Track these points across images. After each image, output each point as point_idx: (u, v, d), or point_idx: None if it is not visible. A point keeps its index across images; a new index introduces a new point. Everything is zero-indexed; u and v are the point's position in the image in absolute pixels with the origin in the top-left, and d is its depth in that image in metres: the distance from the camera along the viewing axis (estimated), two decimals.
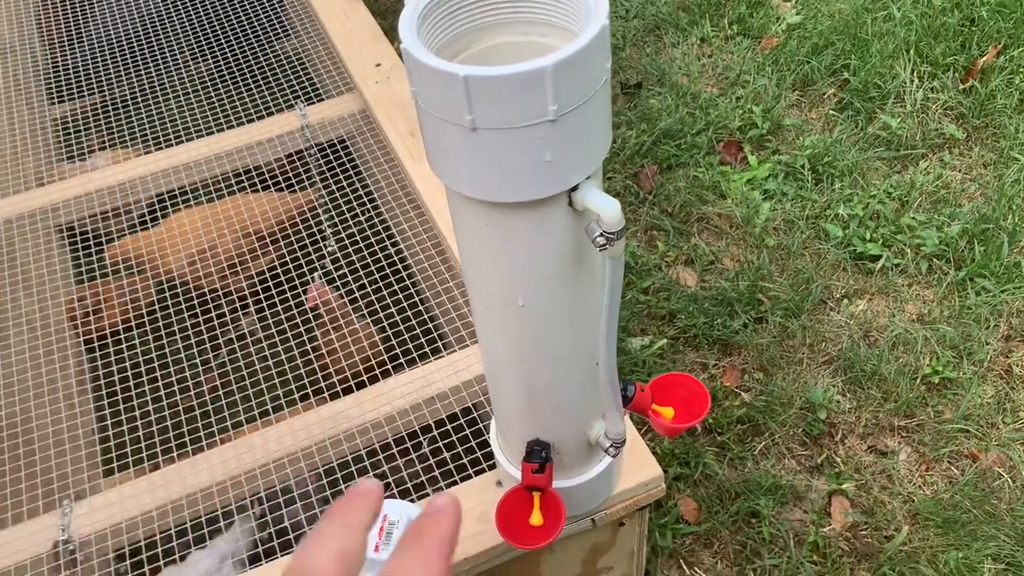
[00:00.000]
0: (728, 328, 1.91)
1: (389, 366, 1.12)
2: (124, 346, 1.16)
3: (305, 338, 1.13)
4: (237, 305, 1.19)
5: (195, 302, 1.20)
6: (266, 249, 1.31)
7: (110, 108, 1.59)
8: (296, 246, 1.27)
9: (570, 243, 0.60)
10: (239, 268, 1.31)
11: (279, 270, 1.23)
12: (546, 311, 0.65)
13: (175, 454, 1.02)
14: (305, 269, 1.21)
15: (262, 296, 1.19)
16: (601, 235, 0.57)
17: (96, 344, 1.24)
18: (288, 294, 1.17)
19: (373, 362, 1.14)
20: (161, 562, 0.94)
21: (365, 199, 1.29)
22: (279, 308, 1.17)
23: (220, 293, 1.23)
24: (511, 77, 0.49)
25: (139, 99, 1.62)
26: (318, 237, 1.28)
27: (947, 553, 1.55)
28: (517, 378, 0.72)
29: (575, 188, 0.57)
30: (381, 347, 1.17)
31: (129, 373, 1.11)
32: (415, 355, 1.08)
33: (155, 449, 1.04)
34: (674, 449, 1.74)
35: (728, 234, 2.12)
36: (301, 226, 1.33)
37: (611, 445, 0.77)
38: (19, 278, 1.27)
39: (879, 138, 2.28)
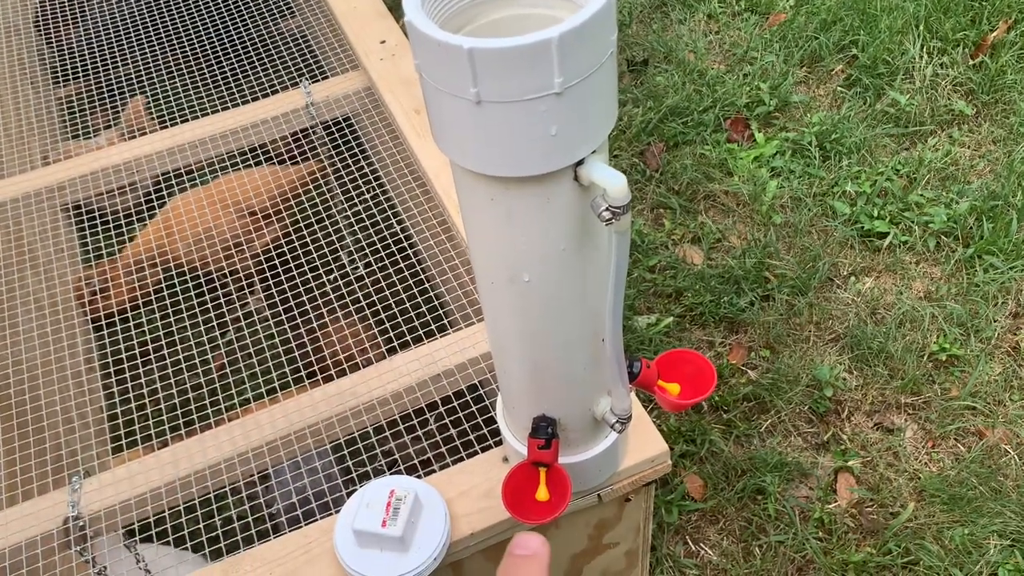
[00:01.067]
0: (735, 306, 1.90)
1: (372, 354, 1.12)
2: (132, 325, 1.16)
3: (311, 315, 1.13)
4: (244, 284, 1.19)
5: (202, 282, 1.20)
6: (271, 225, 1.31)
7: (115, 88, 1.59)
8: (300, 220, 1.26)
9: (576, 218, 0.60)
10: (244, 247, 1.31)
11: (284, 247, 1.23)
12: (552, 287, 0.65)
13: (183, 431, 1.02)
14: (311, 247, 1.21)
15: (268, 274, 1.19)
16: (607, 209, 0.56)
17: (104, 323, 1.24)
18: (294, 271, 1.17)
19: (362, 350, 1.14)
20: (170, 538, 0.95)
21: (371, 177, 1.28)
22: (286, 286, 1.17)
23: (227, 273, 1.23)
24: (516, 49, 0.48)
25: (144, 78, 1.61)
26: (322, 211, 1.28)
27: (953, 529, 1.55)
28: (522, 354, 0.72)
29: (581, 162, 0.56)
30: (353, 345, 1.18)
31: (137, 351, 1.12)
32: (421, 332, 1.08)
33: (163, 427, 1.04)
34: (680, 426, 1.74)
35: (735, 212, 2.11)
36: (304, 198, 1.33)
37: (617, 421, 0.77)
38: (26, 257, 1.27)
39: (887, 115, 2.27)
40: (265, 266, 1.23)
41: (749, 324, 1.89)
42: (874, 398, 1.76)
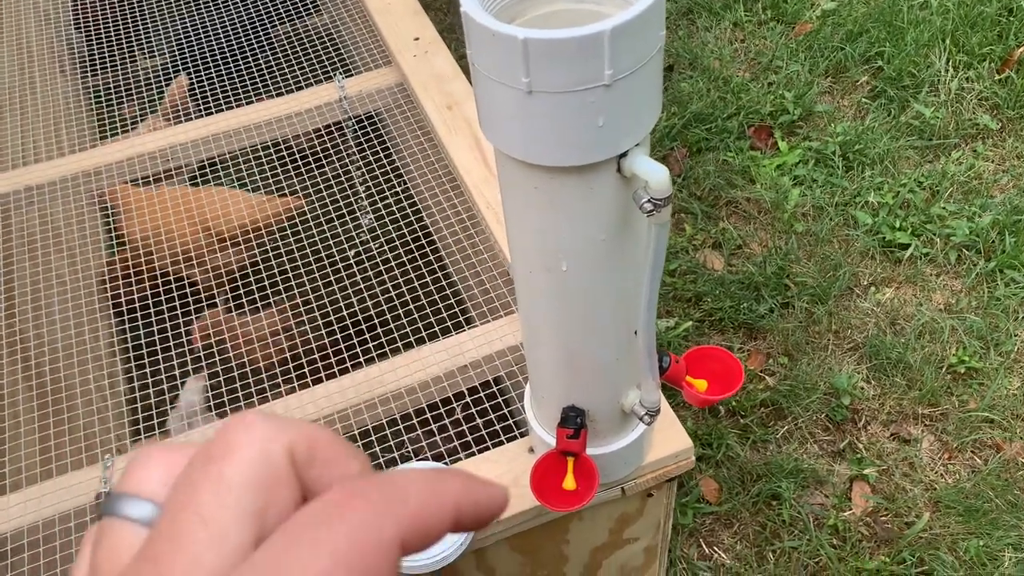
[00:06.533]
0: (754, 312, 1.91)
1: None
2: (164, 308, 1.18)
3: (342, 304, 1.15)
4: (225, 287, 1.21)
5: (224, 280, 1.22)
6: (236, 248, 1.32)
7: (152, 77, 1.61)
8: (270, 252, 1.26)
9: (617, 209, 0.61)
10: (194, 261, 1.31)
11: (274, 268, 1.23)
12: (589, 276, 0.66)
13: (214, 413, 1.04)
14: (278, 277, 1.22)
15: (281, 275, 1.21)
16: (648, 201, 0.58)
17: (138, 307, 1.27)
18: (321, 266, 1.19)
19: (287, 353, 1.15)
20: None
21: (402, 171, 1.30)
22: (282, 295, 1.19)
23: (185, 281, 1.25)
24: (569, 41, 0.50)
25: (180, 68, 1.64)
26: (316, 238, 1.28)
27: (968, 541, 1.55)
28: (555, 344, 0.74)
29: (624, 154, 0.58)
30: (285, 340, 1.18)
31: (170, 334, 1.14)
32: (449, 324, 1.10)
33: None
34: (697, 430, 1.75)
35: (756, 219, 2.12)
36: (277, 233, 1.33)
37: (646, 413, 0.78)
38: (62, 242, 1.29)
39: (911, 127, 2.27)
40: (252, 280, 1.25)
41: (768, 331, 1.90)
42: (891, 408, 1.77)
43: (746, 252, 2.05)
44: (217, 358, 1.12)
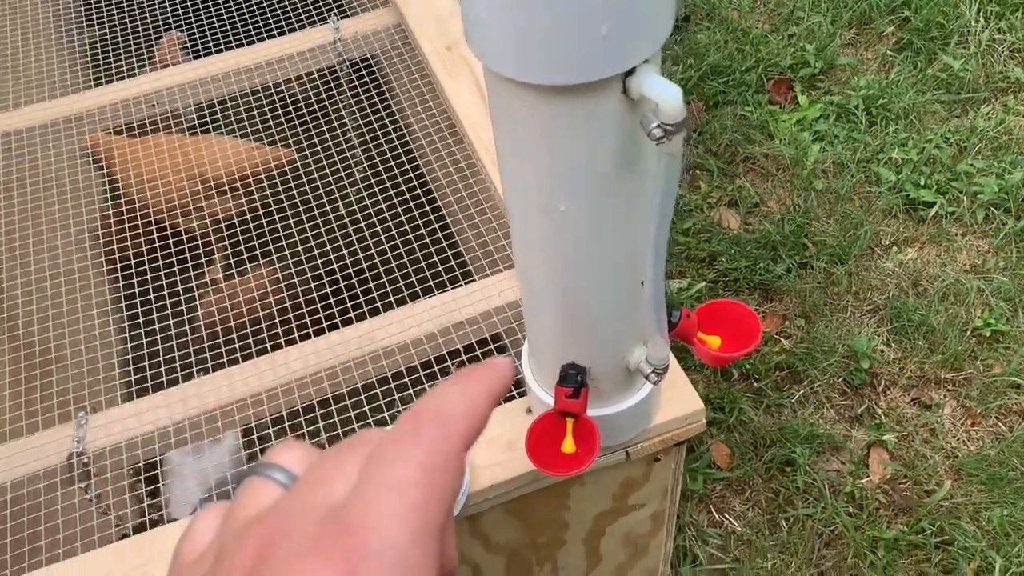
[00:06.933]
0: (770, 273, 1.83)
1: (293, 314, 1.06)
2: (146, 261, 1.12)
3: (332, 258, 1.09)
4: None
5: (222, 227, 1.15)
6: (223, 197, 1.24)
7: (140, 30, 1.53)
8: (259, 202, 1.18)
9: (622, 137, 0.54)
10: (191, 211, 1.24)
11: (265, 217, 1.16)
12: (590, 218, 0.59)
13: (195, 369, 0.98)
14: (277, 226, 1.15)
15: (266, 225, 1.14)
16: (659, 127, 0.50)
17: (117, 260, 1.21)
18: (310, 212, 1.12)
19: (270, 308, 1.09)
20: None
21: (398, 117, 1.23)
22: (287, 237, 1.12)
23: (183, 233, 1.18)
24: None
25: (169, 16, 1.56)
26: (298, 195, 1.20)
27: (991, 510, 1.49)
28: (554, 295, 0.67)
29: (631, 72, 0.50)
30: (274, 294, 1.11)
31: (150, 287, 1.08)
32: (445, 279, 1.03)
33: (176, 373, 1.00)
34: (708, 394, 1.68)
35: (775, 176, 2.03)
36: (267, 183, 1.25)
37: (653, 371, 0.71)
38: (39, 191, 1.23)
39: (939, 80, 2.17)
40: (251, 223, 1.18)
41: (785, 292, 1.82)
42: (912, 372, 1.70)
43: (763, 210, 1.97)
44: (200, 311, 1.06)
